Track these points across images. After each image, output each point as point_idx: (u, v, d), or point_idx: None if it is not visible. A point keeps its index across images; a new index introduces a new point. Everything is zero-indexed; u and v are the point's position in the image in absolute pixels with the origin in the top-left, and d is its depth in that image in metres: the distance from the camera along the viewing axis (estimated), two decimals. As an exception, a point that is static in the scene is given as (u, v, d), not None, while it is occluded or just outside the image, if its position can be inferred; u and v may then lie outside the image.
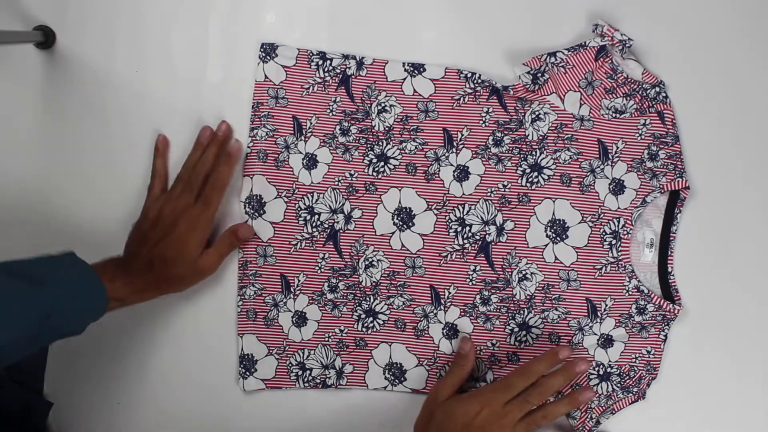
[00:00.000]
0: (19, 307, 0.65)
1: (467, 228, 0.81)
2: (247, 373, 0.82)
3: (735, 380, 0.83)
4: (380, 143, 0.81)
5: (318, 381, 0.82)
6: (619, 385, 0.81)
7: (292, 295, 0.81)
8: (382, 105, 0.81)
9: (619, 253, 0.81)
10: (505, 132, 0.81)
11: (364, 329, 0.82)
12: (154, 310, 0.83)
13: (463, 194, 0.81)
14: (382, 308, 0.82)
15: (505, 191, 0.81)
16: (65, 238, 0.82)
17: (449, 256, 0.81)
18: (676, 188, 0.80)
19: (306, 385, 0.82)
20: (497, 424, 0.72)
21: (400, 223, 0.81)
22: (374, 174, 0.81)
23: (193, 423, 0.84)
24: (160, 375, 0.85)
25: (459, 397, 0.75)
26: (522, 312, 0.81)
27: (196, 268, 0.77)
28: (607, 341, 0.81)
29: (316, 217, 0.81)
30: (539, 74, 0.79)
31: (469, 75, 0.80)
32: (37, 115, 0.83)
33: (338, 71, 0.81)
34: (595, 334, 0.81)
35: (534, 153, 0.81)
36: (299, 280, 0.81)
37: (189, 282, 0.79)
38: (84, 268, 0.72)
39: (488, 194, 0.81)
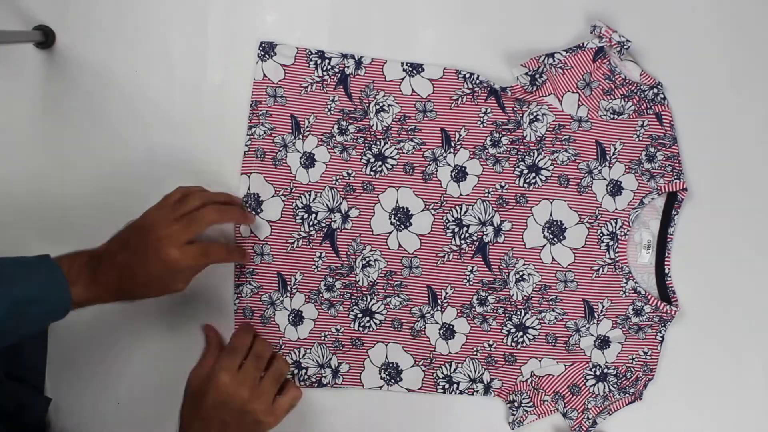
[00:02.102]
0: None
1: (464, 228, 0.81)
2: (244, 371, 0.82)
3: (732, 381, 0.83)
4: (378, 143, 0.81)
5: (314, 380, 0.82)
6: (615, 386, 0.81)
7: (288, 294, 0.82)
8: (381, 104, 0.81)
9: (617, 255, 0.81)
10: (503, 133, 0.81)
11: (360, 329, 0.82)
12: (153, 310, 0.83)
13: (461, 195, 0.81)
14: (378, 308, 0.82)
15: (502, 192, 0.81)
16: (63, 237, 0.82)
17: (446, 256, 0.81)
18: (674, 190, 0.80)
19: (302, 383, 0.82)
20: (241, 392, 0.73)
21: (398, 223, 0.81)
22: (372, 173, 0.81)
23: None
24: (158, 374, 0.85)
25: (202, 377, 0.75)
26: (519, 313, 0.81)
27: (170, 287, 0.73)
28: (604, 342, 0.81)
29: (314, 216, 0.81)
30: (537, 75, 0.79)
31: (467, 75, 0.80)
32: (37, 115, 0.83)
33: (337, 70, 0.81)
34: (592, 335, 0.81)
35: (532, 154, 0.81)
36: (296, 279, 0.81)
37: (157, 294, 0.74)
38: (51, 268, 0.69)
39: (486, 195, 0.81)
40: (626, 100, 0.79)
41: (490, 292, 0.82)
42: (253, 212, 0.81)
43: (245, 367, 0.75)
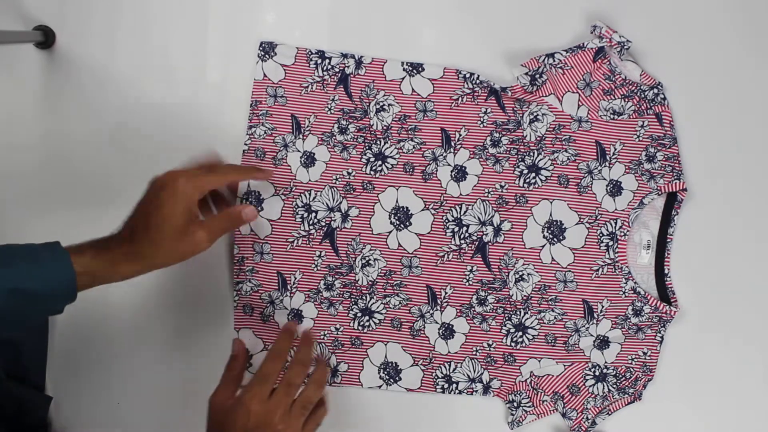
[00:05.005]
0: None
1: (464, 228, 0.81)
2: (244, 370, 0.82)
3: (731, 381, 0.83)
4: (378, 142, 0.81)
5: (313, 378, 0.82)
6: (615, 386, 0.81)
7: (288, 293, 0.82)
8: (381, 104, 0.81)
9: (616, 255, 0.81)
10: (503, 133, 0.81)
11: (360, 328, 0.82)
12: (152, 308, 0.84)
13: (461, 194, 0.81)
14: (378, 307, 0.82)
15: (502, 192, 0.81)
16: (63, 238, 0.82)
17: (446, 256, 0.81)
18: (674, 190, 0.80)
19: (301, 382, 0.82)
20: (271, 418, 0.72)
21: (397, 223, 0.81)
22: (372, 173, 0.81)
23: (191, 420, 0.84)
24: (158, 373, 0.85)
25: (227, 406, 0.74)
26: (518, 313, 0.81)
27: (189, 237, 0.70)
28: (603, 342, 0.81)
29: (314, 214, 0.81)
30: (537, 75, 0.79)
31: (467, 75, 0.80)
32: (37, 115, 0.83)
33: (337, 70, 0.81)
34: (592, 335, 0.81)
35: (532, 154, 0.81)
36: (295, 278, 0.81)
37: (182, 251, 0.71)
38: (49, 246, 0.67)
39: (485, 194, 0.81)
40: (626, 100, 0.79)
41: (489, 291, 0.82)
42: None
43: (276, 395, 0.73)
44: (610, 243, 0.81)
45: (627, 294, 0.81)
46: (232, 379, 0.77)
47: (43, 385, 0.85)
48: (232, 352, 0.80)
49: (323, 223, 0.81)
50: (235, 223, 0.77)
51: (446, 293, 0.82)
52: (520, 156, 0.81)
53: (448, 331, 0.82)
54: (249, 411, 0.72)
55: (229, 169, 0.78)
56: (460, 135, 0.81)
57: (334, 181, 0.81)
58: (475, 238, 0.81)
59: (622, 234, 0.81)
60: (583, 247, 0.81)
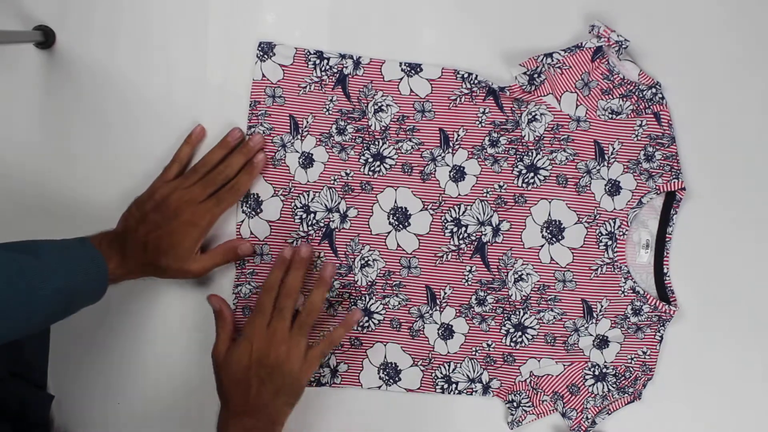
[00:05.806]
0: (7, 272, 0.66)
1: (463, 228, 0.81)
2: (243, 371, 0.82)
3: (731, 381, 0.83)
4: (376, 143, 0.81)
5: (312, 379, 0.82)
6: (614, 385, 0.81)
7: None
8: (379, 104, 0.81)
9: (615, 254, 0.81)
10: (502, 132, 0.81)
11: (359, 328, 0.82)
12: (153, 309, 0.84)
13: (459, 194, 0.81)
14: (377, 308, 0.82)
15: (501, 192, 0.81)
16: (64, 237, 0.83)
17: (445, 256, 0.81)
18: (672, 189, 0.80)
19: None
20: (274, 348, 0.74)
21: (396, 223, 0.81)
22: (370, 173, 0.81)
23: (192, 420, 0.85)
24: (159, 371, 0.85)
25: (230, 348, 0.76)
26: (518, 313, 0.82)
27: (185, 268, 0.77)
28: (602, 342, 0.81)
29: (312, 215, 0.81)
30: (536, 75, 0.79)
31: (465, 75, 0.80)
32: (37, 115, 0.83)
33: (335, 70, 0.81)
34: (591, 335, 0.81)
35: (530, 154, 0.81)
36: (295, 279, 0.82)
37: (173, 276, 0.79)
38: (92, 253, 0.73)
39: (484, 195, 0.81)
40: (624, 99, 0.79)
41: (488, 292, 0.82)
42: (253, 212, 0.81)
43: (272, 322, 0.75)
44: (609, 242, 0.81)
45: (626, 293, 0.81)
46: (228, 333, 0.78)
47: (45, 384, 0.85)
48: (214, 309, 0.80)
49: (322, 224, 0.81)
50: (230, 258, 0.81)
51: (445, 293, 0.82)
52: (518, 156, 0.81)
53: (447, 332, 0.82)
54: (251, 342, 0.74)
55: (231, 197, 0.79)
56: (459, 135, 0.81)
57: (332, 182, 0.81)
58: (473, 238, 0.81)
59: (621, 233, 0.81)
60: (582, 246, 0.81)
